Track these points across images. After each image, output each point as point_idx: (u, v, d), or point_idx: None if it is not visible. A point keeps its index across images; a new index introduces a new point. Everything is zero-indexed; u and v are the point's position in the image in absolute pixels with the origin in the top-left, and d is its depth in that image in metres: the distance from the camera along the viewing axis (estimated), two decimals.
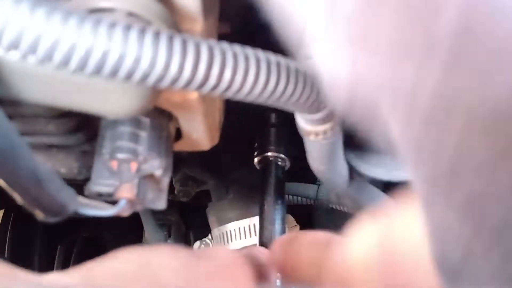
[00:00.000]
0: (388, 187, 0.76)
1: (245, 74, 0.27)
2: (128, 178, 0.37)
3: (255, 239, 0.71)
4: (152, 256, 0.26)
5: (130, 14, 0.29)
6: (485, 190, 0.15)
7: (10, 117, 0.37)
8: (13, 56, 0.23)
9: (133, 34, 0.24)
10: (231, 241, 0.71)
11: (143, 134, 0.36)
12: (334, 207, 0.86)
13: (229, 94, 0.28)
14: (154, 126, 0.37)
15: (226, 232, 0.72)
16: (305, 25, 0.19)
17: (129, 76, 0.25)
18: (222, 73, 0.26)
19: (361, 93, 0.18)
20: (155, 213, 0.89)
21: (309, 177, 0.87)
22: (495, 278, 0.16)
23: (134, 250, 0.26)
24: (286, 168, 0.64)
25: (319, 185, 0.84)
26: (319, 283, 0.29)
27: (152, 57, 0.24)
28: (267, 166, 0.61)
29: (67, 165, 0.41)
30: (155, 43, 0.24)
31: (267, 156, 0.61)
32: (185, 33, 0.34)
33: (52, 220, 0.34)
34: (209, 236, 0.77)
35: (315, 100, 0.32)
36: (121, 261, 0.26)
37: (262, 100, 0.29)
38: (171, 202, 0.79)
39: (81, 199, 0.35)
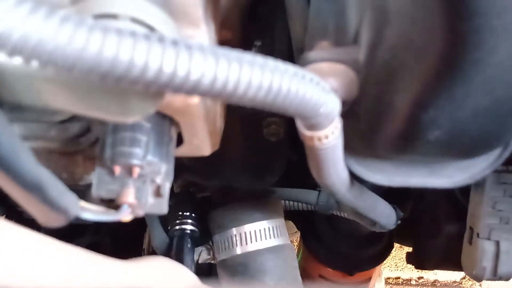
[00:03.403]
0: (388, 193, 0.77)
1: (249, 79, 0.27)
2: (129, 183, 0.37)
3: (256, 245, 0.71)
4: None
5: (134, 20, 0.29)
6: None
7: (13, 122, 0.37)
8: (17, 61, 0.23)
9: (140, 40, 0.24)
10: (232, 247, 0.71)
11: (145, 139, 0.37)
12: (334, 213, 0.86)
13: (233, 99, 0.28)
14: (155, 131, 0.38)
15: (227, 238, 0.72)
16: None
17: (135, 82, 0.25)
18: (227, 79, 0.26)
19: None
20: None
21: (309, 183, 0.87)
22: None
23: None
24: None
25: (319, 191, 0.84)
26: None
27: (160, 63, 0.25)
28: None
29: (69, 170, 0.41)
30: (162, 49, 0.25)
31: None
32: (187, 38, 0.34)
33: (54, 225, 0.34)
34: (210, 242, 0.77)
35: (315, 104, 0.32)
36: None
37: (264, 105, 0.29)
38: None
39: (83, 204, 0.35)
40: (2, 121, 0.28)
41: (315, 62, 0.39)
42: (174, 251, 0.74)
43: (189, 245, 0.74)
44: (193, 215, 0.76)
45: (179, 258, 0.72)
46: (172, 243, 0.75)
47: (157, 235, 0.84)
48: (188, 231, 0.75)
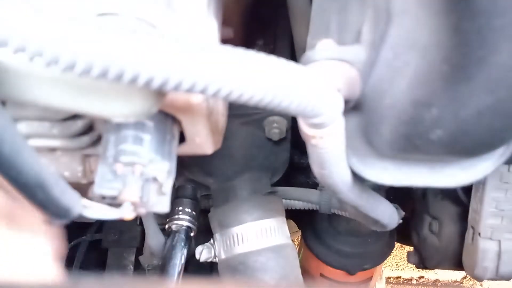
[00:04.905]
0: (390, 192, 0.77)
1: (251, 77, 0.27)
2: (132, 181, 0.37)
3: (257, 244, 0.71)
4: None
5: (137, 19, 0.29)
6: None
7: (16, 120, 0.38)
8: (21, 59, 0.23)
9: (140, 39, 0.24)
10: (233, 246, 0.71)
11: (147, 138, 0.37)
12: (335, 212, 0.86)
13: (235, 98, 0.28)
14: (158, 129, 0.38)
15: (228, 236, 0.72)
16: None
17: (134, 79, 0.25)
18: (230, 77, 0.27)
19: None
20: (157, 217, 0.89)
21: (310, 182, 0.87)
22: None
23: None
24: None
25: (321, 190, 0.84)
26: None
27: (159, 60, 0.25)
28: None
29: (71, 168, 0.41)
30: (161, 47, 0.25)
31: None
32: (190, 37, 0.34)
33: (56, 223, 0.34)
34: (211, 241, 0.77)
35: (317, 103, 0.32)
36: None
37: (267, 104, 0.29)
38: None
39: (85, 202, 0.35)
40: (5, 119, 0.28)
41: (317, 61, 0.39)
42: (167, 246, 0.73)
43: (182, 242, 0.73)
44: (190, 211, 0.75)
45: (170, 253, 0.71)
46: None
47: (152, 234, 0.84)
48: (184, 227, 0.74)
